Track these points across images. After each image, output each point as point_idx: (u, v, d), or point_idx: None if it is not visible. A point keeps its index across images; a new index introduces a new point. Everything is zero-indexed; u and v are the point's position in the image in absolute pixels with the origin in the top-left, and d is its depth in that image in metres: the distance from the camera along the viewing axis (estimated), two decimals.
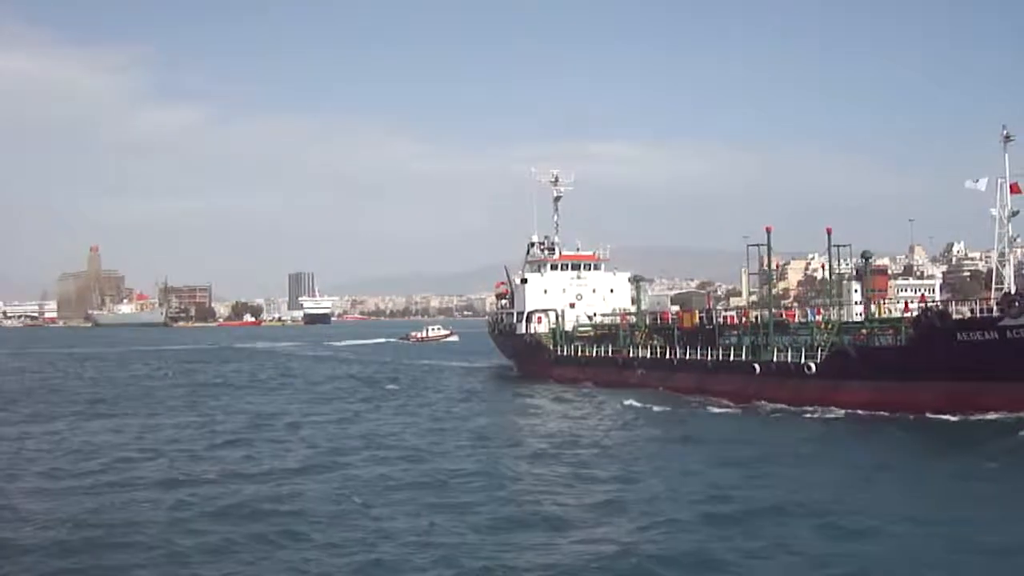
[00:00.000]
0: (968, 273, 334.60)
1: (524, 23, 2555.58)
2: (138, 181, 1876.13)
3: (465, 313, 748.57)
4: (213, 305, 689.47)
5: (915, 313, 69.11)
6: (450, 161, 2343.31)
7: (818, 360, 71.56)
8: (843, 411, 66.00)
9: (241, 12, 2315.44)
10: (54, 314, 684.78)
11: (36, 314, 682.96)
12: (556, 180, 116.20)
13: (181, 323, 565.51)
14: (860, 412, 65.03)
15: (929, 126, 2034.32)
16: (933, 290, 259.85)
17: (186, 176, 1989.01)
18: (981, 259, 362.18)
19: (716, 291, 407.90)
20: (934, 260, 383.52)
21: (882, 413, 63.41)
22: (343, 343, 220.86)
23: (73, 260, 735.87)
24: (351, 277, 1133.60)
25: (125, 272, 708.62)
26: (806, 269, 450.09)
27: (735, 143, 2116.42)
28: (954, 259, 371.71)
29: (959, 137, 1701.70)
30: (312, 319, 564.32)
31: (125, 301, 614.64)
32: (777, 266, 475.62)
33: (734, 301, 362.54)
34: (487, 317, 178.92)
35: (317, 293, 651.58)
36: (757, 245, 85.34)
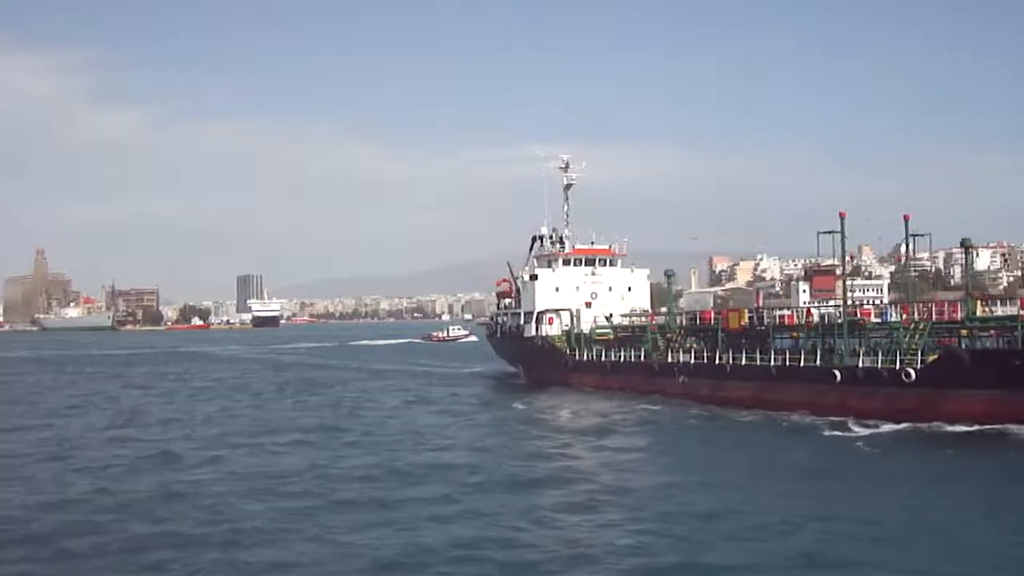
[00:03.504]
0: (916, 273, 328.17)
1: (477, 26, 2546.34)
2: (85, 183, 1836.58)
3: (415, 315, 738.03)
4: (161, 308, 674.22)
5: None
6: (399, 163, 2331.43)
7: (918, 365, 59.10)
8: (962, 426, 54.48)
9: (190, 14, 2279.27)
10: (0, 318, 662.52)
11: None
12: (567, 167, 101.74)
13: (129, 327, 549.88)
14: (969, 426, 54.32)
15: (870, 128, 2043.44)
16: (881, 290, 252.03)
17: (134, 178, 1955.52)
18: (928, 259, 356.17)
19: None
20: (882, 260, 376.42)
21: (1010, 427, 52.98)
22: (366, 342, 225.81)
23: (19, 264, 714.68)
24: (300, 279, 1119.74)
25: (72, 275, 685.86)
26: (755, 269, 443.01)
27: (683, 145, 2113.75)
28: (902, 259, 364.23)
29: (912, 141, 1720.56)
30: (261, 322, 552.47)
31: (72, 305, 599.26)
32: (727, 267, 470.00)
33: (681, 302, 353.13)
34: (484, 319, 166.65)
35: (266, 296, 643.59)
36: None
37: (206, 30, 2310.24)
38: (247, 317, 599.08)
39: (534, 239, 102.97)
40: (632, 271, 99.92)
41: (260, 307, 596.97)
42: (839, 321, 67.12)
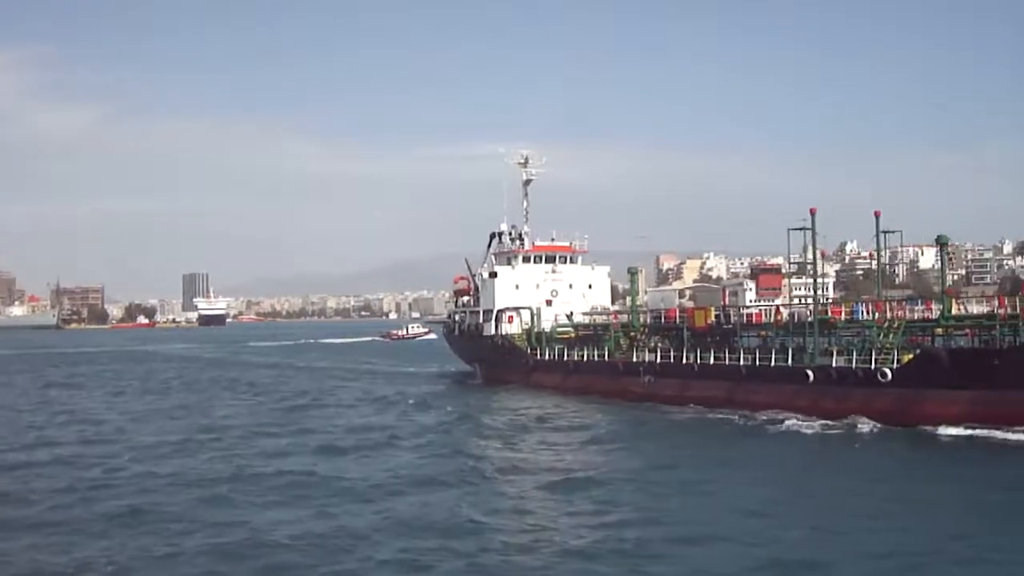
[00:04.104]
0: (861, 272, 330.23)
1: (428, 24, 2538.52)
2: (30, 182, 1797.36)
3: (362, 314, 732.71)
4: (106, 307, 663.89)
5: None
6: (347, 162, 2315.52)
7: (894, 365, 57.32)
8: (936, 427, 52.93)
9: (140, 12, 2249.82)
10: None
11: None
12: (526, 162, 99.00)
13: (74, 325, 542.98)
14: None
15: (826, 129, 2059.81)
16: (827, 288, 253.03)
17: (79, 176, 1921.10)
18: (872, 258, 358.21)
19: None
20: (827, 259, 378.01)
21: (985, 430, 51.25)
22: (328, 341, 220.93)
23: None
24: (246, 278, 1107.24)
25: (16, 274, 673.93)
26: (701, 268, 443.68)
27: (628, 146, 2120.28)
28: (847, 258, 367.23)
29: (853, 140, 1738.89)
30: (207, 320, 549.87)
31: (16, 303, 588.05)
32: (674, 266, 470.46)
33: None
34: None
35: (212, 294, 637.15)
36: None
37: (155, 28, 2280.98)
38: (193, 316, 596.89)
39: (492, 236, 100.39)
40: (593, 268, 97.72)
41: (206, 306, 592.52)
42: (809, 320, 65.33)
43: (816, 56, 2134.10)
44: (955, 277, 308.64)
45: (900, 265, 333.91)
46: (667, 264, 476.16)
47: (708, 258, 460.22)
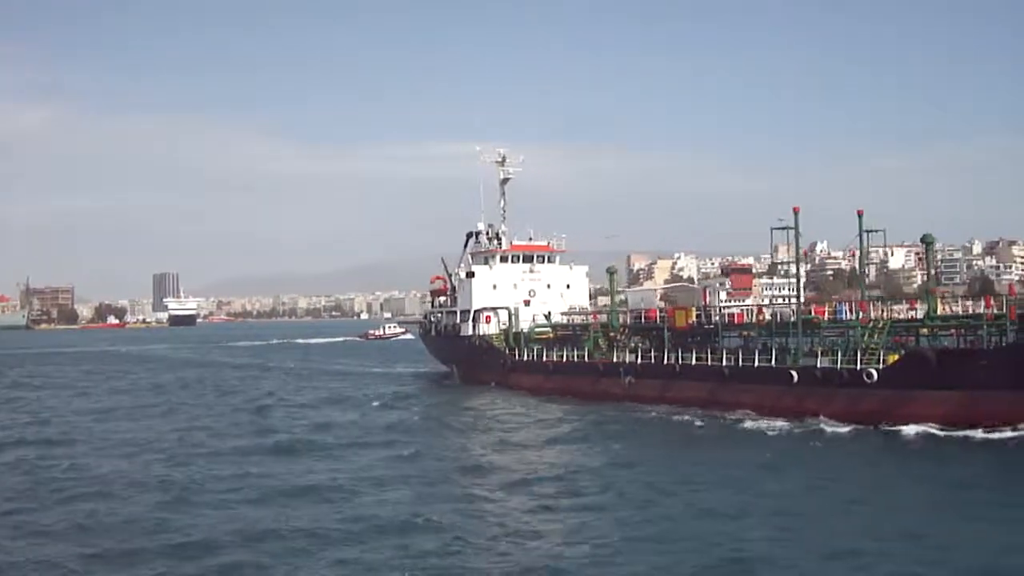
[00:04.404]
0: (831, 272, 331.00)
1: (399, 24, 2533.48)
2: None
3: (333, 314, 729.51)
4: (76, 307, 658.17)
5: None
6: (319, 162, 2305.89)
7: (879, 365, 56.45)
8: (919, 427, 52.29)
9: (105, 8, 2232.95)
10: None
11: None
12: (503, 160, 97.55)
13: (43, 325, 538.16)
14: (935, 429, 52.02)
15: (794, 130, 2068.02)
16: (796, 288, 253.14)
17: (48, 175, 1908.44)
18: (844, 258, 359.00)
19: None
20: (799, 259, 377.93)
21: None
22: (306, 341, 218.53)
23: None
24: (217, 278, 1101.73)
25: None
26: (673, 268, 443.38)
27: (592, 144, 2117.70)
28: (817, 258, 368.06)
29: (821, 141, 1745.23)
30: (177, 320, 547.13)
31: None
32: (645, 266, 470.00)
33: (603, 300, 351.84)
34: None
35: (182, 294, 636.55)
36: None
37: (125, 23, 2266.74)
38: (163, 316, 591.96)
39: (469, 235, 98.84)
40: (571, 268, 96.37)
41: (176, 306, 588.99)
42: (792, 319, 64.37)
43: (785, 59, 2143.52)
44: (924, 277, 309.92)
45: (870, 265, 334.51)
46: (638, 264, 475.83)
47: (679, 258, 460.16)
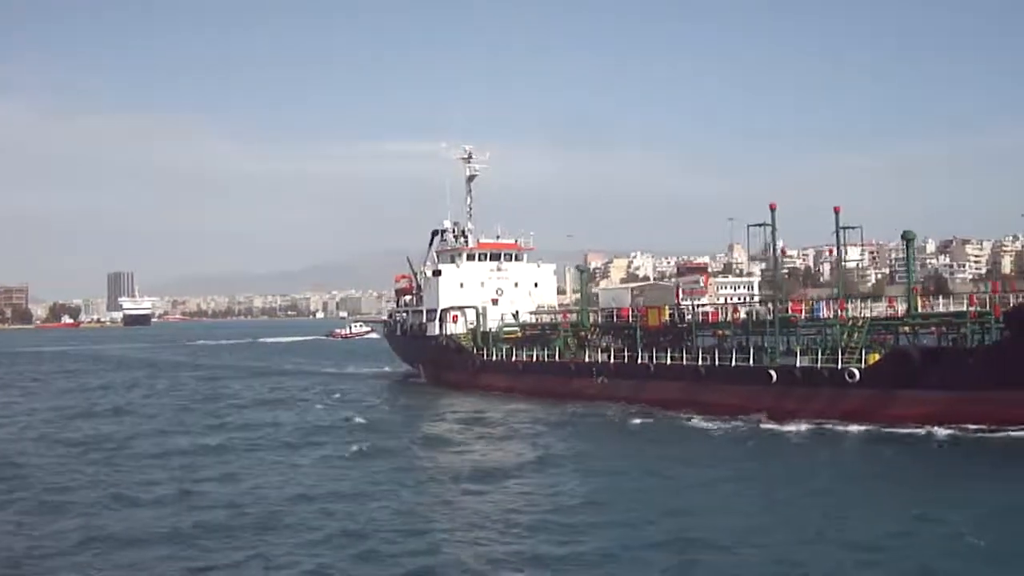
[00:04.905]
0: (786, 271, 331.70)
1: (353, 21, 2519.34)
2: None
3: (289, 313, 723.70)
4: (30, 307, 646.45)
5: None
6: (273, 161, 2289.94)
7: (861, 364, 54.98)
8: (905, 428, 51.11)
9: (58, 7, 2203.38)
10: None
11: None
12: (470, 157, 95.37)
13: None
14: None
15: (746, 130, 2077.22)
16: (752, 287, 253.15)
17: (1, 174, 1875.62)
18: (799, 257, 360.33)
19: None
20: (753, 258, 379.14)
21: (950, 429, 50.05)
22: (272, 340, 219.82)
23: None
24: (172, 277, 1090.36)
25: None
26: (628, 267, 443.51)
27: (556, 143, 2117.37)
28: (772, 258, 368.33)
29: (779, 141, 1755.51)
30: (132, 320, 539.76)
31: None
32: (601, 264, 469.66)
33: (560, 299, 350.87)
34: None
35: (137, 293, 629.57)
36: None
37: (85, 20, 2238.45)
38: (118, 315, 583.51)
39: (435, 233, 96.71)
40: (539, 266, 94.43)
41: (131, 305, 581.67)
42: (769, 318, 62.91)
43: (737, 62, 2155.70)
44: (879, 276, 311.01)
45: (824, 264, 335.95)
46: (594, 263, 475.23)
47: (635, 257, 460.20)
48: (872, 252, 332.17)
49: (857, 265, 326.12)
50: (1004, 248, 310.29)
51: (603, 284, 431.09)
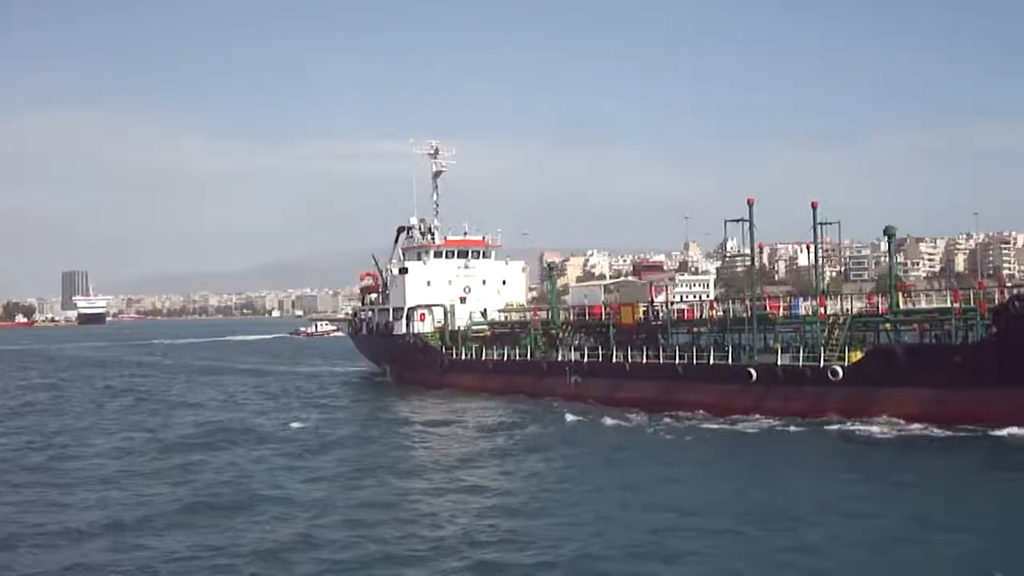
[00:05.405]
0: (741, 269, 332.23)
1: (313, 18, 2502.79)
2: None
3: (245, 311, 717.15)
4: None
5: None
6: (226, 159, 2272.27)
7: (845, 362, 53.71)
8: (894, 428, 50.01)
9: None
10: None
11: None
12: (436, 153, 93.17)
13: None
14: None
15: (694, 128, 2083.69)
16: (707, 285, 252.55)
17: None
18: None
19: None
20: (708, 256, 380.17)
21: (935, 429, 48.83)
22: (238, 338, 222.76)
23: None
24: (127, 276, 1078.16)
25: None
26: (585, 265, 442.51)
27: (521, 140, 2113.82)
28: (728, 255, 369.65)
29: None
30: (86, 319, 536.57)
31: None
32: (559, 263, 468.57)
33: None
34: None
35: (92, 292, 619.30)
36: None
37: (41, 16, 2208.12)
38: (72, 314, 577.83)
39: (400, 230, 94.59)
40: (507, 263, 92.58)
41: (86, 304, 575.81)
42: (746, 316, 61.37)
43: (696, 62, 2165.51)
44: (833, 274, 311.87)
45: (779, 262, 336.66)
46: (550, 260, 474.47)
47: (591, 255, 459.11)
48: (827, 250, 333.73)
49: (817, 263, 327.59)
50: (958, 246, 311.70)
51: (560, 281, 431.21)
